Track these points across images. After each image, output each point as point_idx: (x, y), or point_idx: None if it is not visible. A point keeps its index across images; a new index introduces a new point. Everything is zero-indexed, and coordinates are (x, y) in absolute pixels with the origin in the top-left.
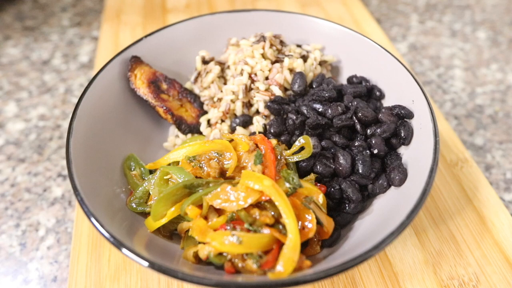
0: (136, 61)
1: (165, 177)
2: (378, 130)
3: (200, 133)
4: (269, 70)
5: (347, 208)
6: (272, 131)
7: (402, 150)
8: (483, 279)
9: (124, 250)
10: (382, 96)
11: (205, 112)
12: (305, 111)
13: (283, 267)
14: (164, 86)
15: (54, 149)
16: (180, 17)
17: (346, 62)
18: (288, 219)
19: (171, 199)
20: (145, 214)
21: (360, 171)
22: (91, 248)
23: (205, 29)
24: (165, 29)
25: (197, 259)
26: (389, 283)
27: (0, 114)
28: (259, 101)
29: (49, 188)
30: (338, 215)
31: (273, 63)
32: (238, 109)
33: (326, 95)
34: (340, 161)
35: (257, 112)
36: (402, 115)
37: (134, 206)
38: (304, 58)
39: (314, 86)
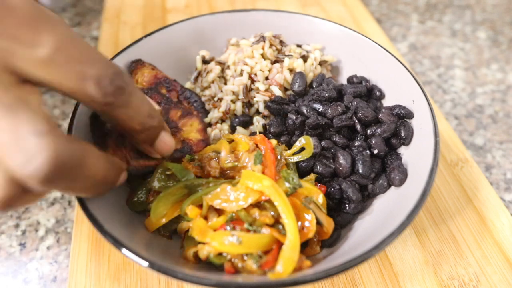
0: (136, 66)
1: (166, 173)
2: (378, 130)
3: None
4: (269, 70)
5: (347, 208)
6: (272, 131)
7: (402, 150)
8: (483, 279)
9: (124, 250)
10: (382, 96)
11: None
12: (305, 111)
13: (283, 267)
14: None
15: None
16: (180, 17)
17: (346, 62)
18: (288, 219)
19: (171, 199)
20: (145, 214)
21: (360, 171)
22: (91, 248)
23: (205, 29)
24: (165, 29)
25: (197, 259)
26: (389, 283)
27: None
28: (259, 101)
29: None
30: (338, 215)
31: (273, 63)
32: (238, 109)
33: (326, 95)
34: (340, 161)
35: (257, 112)
36: (402, 115)
37: (134, 206)
38: (304, 58)
39: (314, 86)
